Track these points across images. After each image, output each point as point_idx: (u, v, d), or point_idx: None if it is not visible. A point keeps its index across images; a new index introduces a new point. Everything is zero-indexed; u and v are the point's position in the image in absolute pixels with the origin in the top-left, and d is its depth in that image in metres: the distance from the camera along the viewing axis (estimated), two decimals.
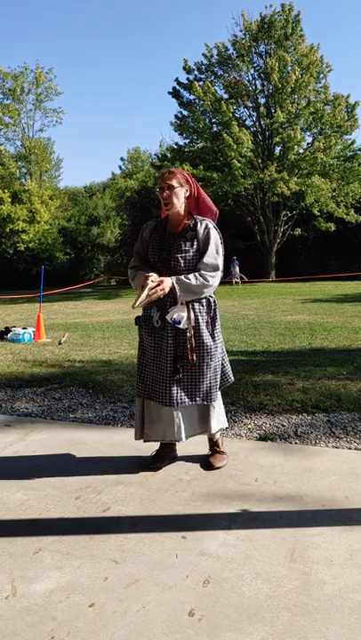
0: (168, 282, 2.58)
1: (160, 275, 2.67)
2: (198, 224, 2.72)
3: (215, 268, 2.69)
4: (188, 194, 2.74)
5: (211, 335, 2.75)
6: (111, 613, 1.72)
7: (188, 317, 2.66)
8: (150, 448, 3.02)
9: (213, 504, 2.46)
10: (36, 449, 3.23)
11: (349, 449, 3.15)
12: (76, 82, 75.51)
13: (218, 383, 2.80)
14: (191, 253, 2.69)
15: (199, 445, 3.03)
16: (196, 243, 2.70)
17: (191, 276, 2.63)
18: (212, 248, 2.70)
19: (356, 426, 3.51)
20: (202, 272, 2.65)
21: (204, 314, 2.74)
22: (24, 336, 8.09)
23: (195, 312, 2.69)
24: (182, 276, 2.62)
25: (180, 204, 2.71)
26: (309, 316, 10.54)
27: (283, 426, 3.57)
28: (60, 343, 7.67)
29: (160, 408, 2.73)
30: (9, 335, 8.23)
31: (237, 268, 22.97)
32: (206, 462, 2.90)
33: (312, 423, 3.60)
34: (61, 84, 66.07)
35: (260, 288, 20.41)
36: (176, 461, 2.97)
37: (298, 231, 26.02)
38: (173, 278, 2.61)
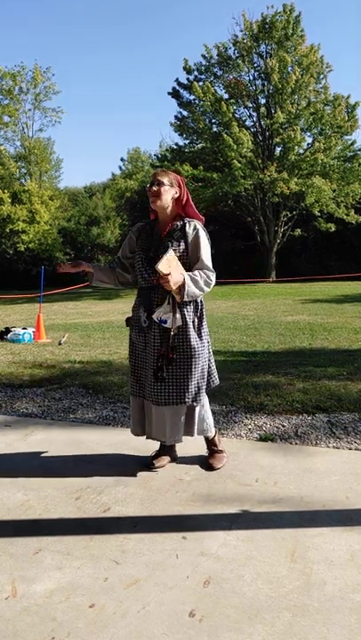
0: (179, 277, 2.54)
1: (148, 276, 2.70)
2: (187, 225, 2.73)
3: (212, 269, 2.72)
4: (177, 196, 2.76)
5: (198, 335, 2.73)
6: (111, 614, 1.72)
7: (174, 317, 2.65)
8: (150, 448, 3.02)
9: (214, 504, 2.46)
10: (36, 449, 3.23)
11: (350, 449, 3.15)
12: (76, 81, 75.49)
13: (205, 384, 2.78)
14: (178, 254, 2.67)
15: (200, 446, 3.03)
16: (183, 243, 2.70)
17: (197, 272, 2.64)
18: (205, 250, 2.72)
19: (357, 426, 3.50)
20: (205, 270, 2.67)
21: (192, 313, 2.72)
22: (24, 336, 8.09)
23: (181, 311, 2.68)
24: (190, 273, 2.62)
25: (166, 201, 2.72)
26: (310, 317, 10.54)
27: (283, 426, 3.57)
28: (60, 343, 7.67)
29: (152, 407, 2.73)
30: (9, 335, 8.23)
31: None
32: (206, 463, 2.90)
33: (312, 424, 3.60)
34: (62, 84, 66.29)
35: (260, 288, 20.41)
36: (176, 462, 2.97)
37: (298, 232, 26.00)
38: (185, 274, 2.58)
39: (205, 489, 2.62)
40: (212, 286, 2.70)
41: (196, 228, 2.74)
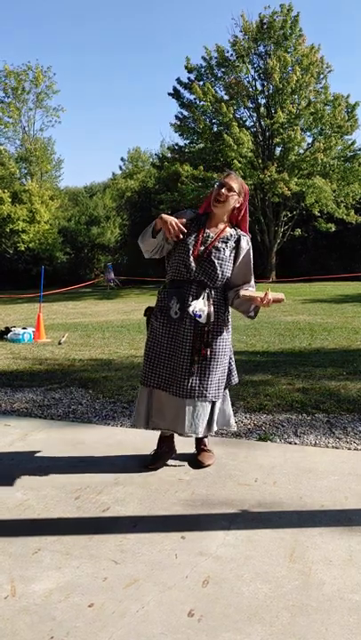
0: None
1: (185, 270, 2.71)
2: (242, 239, 2.78)
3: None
4: (238, 205, 2.79)
5: (226, 331, 2.82)
6: (110, 613, 1.72)
7: (208, 312, 2.70)
8: (150, 447, 3.02)
9: (213, 504, 2.46)
10: (36, 449, 3.23)
11: (349, 449, 3.15)
12: (78, 80, 75.40)
13: (225, 381, 2.85)
14: (228, 262, 2.73)
15: None
16: (234, 254, 2.76)
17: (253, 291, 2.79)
18: (252, 269, 2.83)
19: (356, 426, 3.51)
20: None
21: (223, 311, 2.79)
22: (24, 336, 8.09)
23: (215, 307, 2.74)
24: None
25: (229, 207, 2.75)
26: (309, 317, 10.54)
27: (282, 426, 3.57)
28: (59, 343, 7.67)
29: (171, 399, 2.74)
30: (9, 335, 8.23)
31: (112, 274, 25.21)
32: (195, 461, 2.92)
33: (312, 424, 3.60)
34: (63, 83, 66.25)
35: (259, 288, 20.25)
36: (175, 461, 2.97)
37: (298, 231, 26.00)
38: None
39: (205, 489, 2.62)
40: None
41: (249, 243, 2.81)
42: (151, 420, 2.83)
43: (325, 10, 68.18)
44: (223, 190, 2.70)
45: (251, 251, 2.82)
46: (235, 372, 2.95)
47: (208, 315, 2.69)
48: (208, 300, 2.70)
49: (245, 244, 2.78)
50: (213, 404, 2.80)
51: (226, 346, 2.81)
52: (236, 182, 2.74)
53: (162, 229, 2.66)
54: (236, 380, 2.95)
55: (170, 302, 2.74)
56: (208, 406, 2.78)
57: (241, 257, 2.77)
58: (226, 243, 2.75)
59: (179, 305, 2.71)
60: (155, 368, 2.79)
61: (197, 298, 2.69)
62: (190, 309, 2.67)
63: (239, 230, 2.82)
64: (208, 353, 2.71)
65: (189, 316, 2.67)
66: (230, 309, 2.88)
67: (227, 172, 2.80)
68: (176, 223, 2.62)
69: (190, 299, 2.69)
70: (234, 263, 2.77)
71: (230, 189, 2.71)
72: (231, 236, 2.77)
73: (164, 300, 2.79)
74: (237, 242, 2.77)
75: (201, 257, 2.71)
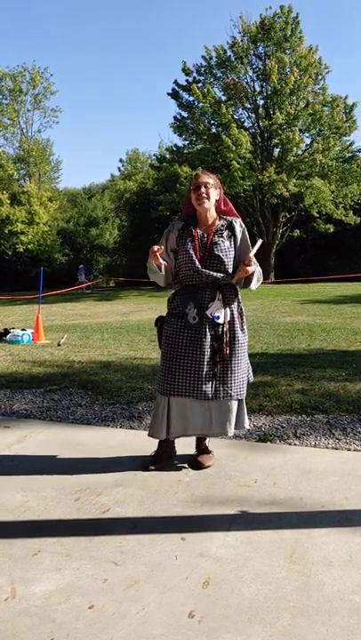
0: (253, 267, 2.74)
1: (196, 275, 2.74)
2: (233, 222, 2.84)
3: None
4: (218, 197, 2.83)
5: (241, 329, 2.84)
6: (111, 615, 1.72)
7: (225, 312, 2.75)
8: (150, 449, 3.02)
9: (213, 505, 2.46)
10: (36, 450, 3.23)
11: (349, 450, 3.15)
12: (77, 80, 75.40)
13: (247, 378, 2.88)
14: (230, 252, 2.77)
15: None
16: (232, 241, 2.80)
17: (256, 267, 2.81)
18: (250, 245, 2.85)
19: (356, 427, 3.51)
20: (257, 266, 2.83)
21: (236, 309, 2.83)
22: (23, 337, 8.09)
23: (230, 307, 2.79)
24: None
25: (212, 202, 2.79)
26: (308, 318, 10.55)
27: (282, 427, 3.57)
28: (58, 344, 7.66)
29: (195, 404, 2.75)
30: (8, 336, 8.22)
31: (84, 276, 25.86)
32: (195, 462, 2.92)
33: (311, 424, 3.60)
34: (62, 84, 66.21)
35: (258, 289, 20.27)
36: (175, 462, 2.97)
37: (297, 232, 26.03)
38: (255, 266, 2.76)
39: (204, 490, 2.62)
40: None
41: (242, 225, 2.87)
42: (172, 430, 2.82)
43: (325, 10, 68.34)
44: (202, 189, 2.75)
45: (245, 230, 2.88)
46: (250, 370, 2.97)
47: (225, 314, 2.74)
48: (223, 300, 2.75)
49: (238, 226, 2.84)
50: (240, 401, 2.85)
51: (244, 343, 2.85)
52: (209, 177, 2.80)
53: (154, 261, 2.74)
54: (251, 377, 2.97)
55: (186, 308, 2.76)
56: (234, 405, 2.82)
57: (239, 240, 2.82)
58: (221, 234, 2.79)
59: (196, 310, 2.74)
60: (175, 376, 2.76)
61: (213, 300, 2.74)
62: (208, 312, 2.72)
63: (227, 217, 2.87)
64: (228, 352, 2.74)
65: (208, 319, 2.71)
66: (242, 305, 2.91)
67: (195, 173, 2.87)
68: (153, 251, 2.68)
69: (206, 302, 2.73)
70: (235, 248, 2.81)
71: (207, 185, 2.76)
72: (223, 226, 2.82)
73: (179, 307, 2.80)
74: (231, 228, 2.82)
75: (205, 256, 2.75)
